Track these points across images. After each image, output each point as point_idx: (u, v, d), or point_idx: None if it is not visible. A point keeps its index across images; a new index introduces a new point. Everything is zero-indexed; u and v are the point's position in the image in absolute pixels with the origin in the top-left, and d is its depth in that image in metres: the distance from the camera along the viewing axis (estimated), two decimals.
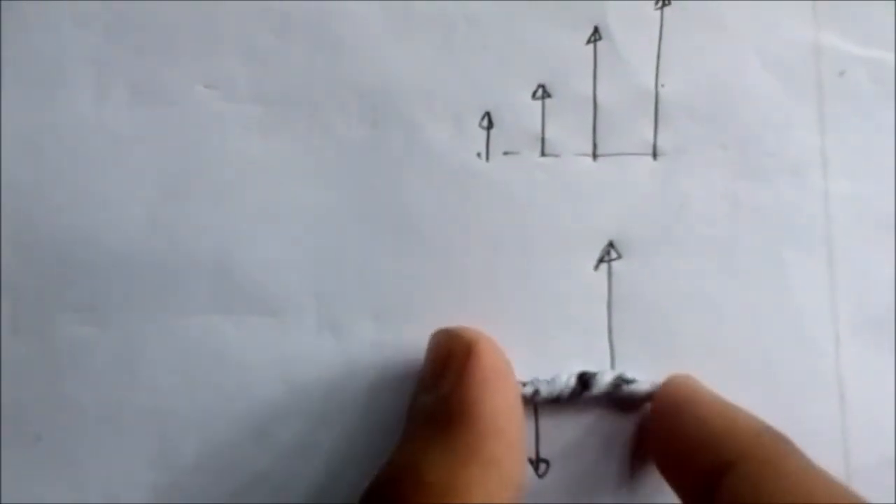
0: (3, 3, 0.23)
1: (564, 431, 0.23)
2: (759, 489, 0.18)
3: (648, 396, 0.22)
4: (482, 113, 0.23)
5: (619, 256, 0.23)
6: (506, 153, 0.23)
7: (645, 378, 0.22)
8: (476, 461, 0.18)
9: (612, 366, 0.23)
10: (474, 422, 0.19)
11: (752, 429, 0.20)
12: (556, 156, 0.24)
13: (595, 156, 0.24)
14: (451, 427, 0.19)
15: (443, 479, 0.18)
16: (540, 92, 0.24)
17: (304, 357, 0.23)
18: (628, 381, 0.22)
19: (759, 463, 0.18)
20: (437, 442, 0.19)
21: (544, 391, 0.22)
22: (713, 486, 0.19)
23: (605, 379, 0.22)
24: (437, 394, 0.20)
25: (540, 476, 0.23)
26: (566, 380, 0.22)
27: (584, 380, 0.22)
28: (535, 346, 0.23)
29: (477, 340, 0.20)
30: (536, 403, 0.22)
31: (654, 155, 0.24)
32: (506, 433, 0.19)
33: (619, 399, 0.23)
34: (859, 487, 0.19)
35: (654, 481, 0.22)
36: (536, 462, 0.23)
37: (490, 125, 0.24)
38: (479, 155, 0.23)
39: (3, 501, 0.22)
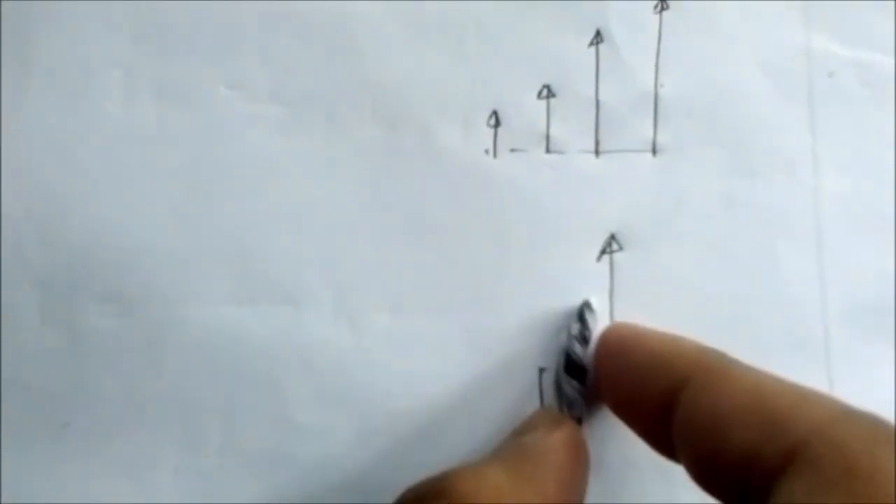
0: (33, 7, 0.23)
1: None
2: (716, 394, 0.19)
3: None
4: (490, 112, 0.24)
5: (621, 248, 0.24)
6: (512, 150, 0.24)
7: None
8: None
9: None
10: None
11: (695, 348, 0.21)
12: (561, 153, 0.24)
13: (597, 153, 0.25)
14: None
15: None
16: (545, 92, 0.24)
17: (321, 345, 0.24)
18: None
19: (710, 373, 0.19)
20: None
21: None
22: (670, 406, 0.19)
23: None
24: None
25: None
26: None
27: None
28: (542, 334, 0.24)
29: None
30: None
31: (654, 152, 0.25)
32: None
33: None
34: None
35: None
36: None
37: (497, 124, 0.24)
38: (487, 152, 0.24)
39: (32, 485, 0.23)
